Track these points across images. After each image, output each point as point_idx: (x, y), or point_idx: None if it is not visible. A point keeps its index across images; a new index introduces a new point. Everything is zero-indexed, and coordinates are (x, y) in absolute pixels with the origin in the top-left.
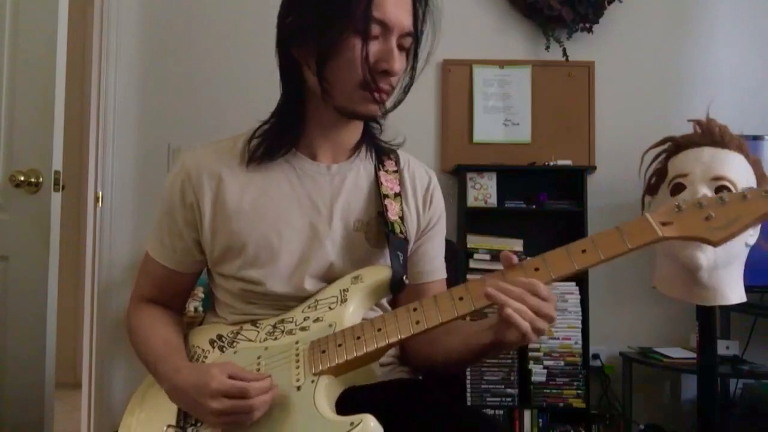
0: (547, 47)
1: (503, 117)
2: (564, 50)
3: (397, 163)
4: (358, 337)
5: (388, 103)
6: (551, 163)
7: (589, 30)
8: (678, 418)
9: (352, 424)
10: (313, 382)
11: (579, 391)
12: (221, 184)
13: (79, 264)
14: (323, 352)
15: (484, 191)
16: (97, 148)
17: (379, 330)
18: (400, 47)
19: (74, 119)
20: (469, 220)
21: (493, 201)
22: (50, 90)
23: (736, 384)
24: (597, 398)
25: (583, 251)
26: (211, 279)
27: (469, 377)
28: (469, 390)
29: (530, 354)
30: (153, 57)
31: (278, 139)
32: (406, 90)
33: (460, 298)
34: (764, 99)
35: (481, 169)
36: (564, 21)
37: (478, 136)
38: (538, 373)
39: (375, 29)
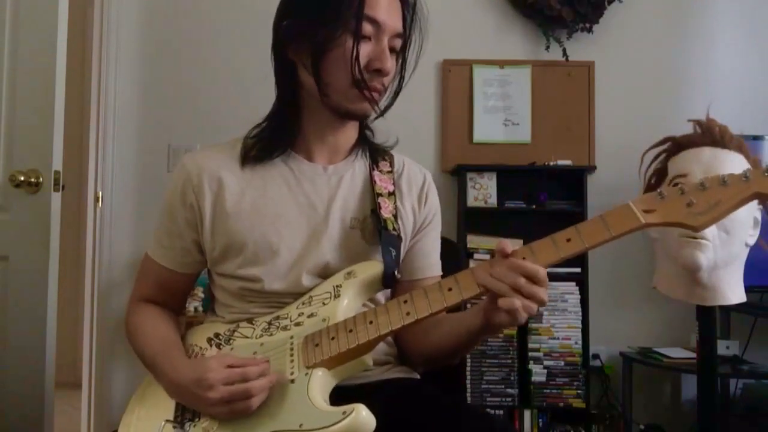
0: (547, 47)
1: (503, 117)
2: (564, 50)
3: (392, 164)
4: (351, 330)
5: (381, 105)
6: (551, 163)
7: (589, 30)
8: (678, 418)
9: (344, 413)
10: (306, 374)
11: (579, 391)
12: (221, 186)
13: (79, 264)
14: (317, 345)
15: (484, 191)
16: (97, 148)
17: (371, 323)
18: (391, 49)
19: (74, 119)
20: (469, 220)
21: (493, 201)
22: (50, 90)
23: (736, 384)
24: (597, 398)
25: (568, 240)
26: (210, 279)
27: (469, 377)
28: (469, 390)
29: (530, 354)
30: (153, 57)
31: (272, 141)
32: (396, 94)
33: (449, 289)
34: (764, 99)
35: (481, 169)
36: (564, 21)
37: (478, 136)
38: (538, 373)
39: (367, 28)
